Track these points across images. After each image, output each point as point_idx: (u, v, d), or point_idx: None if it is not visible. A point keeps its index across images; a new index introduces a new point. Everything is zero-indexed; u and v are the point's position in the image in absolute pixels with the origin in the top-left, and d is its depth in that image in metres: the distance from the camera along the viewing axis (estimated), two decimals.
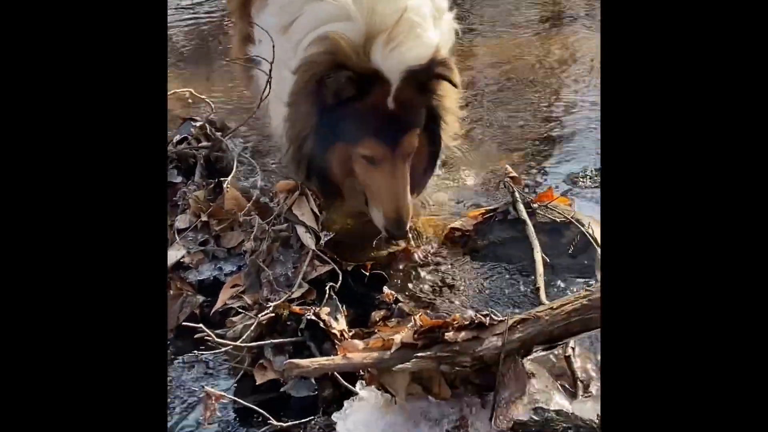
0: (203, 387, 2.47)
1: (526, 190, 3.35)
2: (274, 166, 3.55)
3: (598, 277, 2.88)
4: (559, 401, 2.42)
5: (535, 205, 3.17)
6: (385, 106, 2.72)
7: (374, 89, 2.71)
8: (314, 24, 2.81)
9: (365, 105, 2.72)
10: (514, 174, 3.30)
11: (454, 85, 2.85)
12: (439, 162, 3.14)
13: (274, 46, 2.90)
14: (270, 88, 2.99)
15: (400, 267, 3.03)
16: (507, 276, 3.01)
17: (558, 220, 3.12)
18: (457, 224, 3.21)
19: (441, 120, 2.90)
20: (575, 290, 2.82)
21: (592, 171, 3.52)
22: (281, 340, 2.60)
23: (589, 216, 3.15)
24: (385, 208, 2.80)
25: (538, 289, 2.84)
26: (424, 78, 2.76)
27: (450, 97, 2.91)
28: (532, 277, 2.92)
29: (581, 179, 3.49)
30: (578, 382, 2.48)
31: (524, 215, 3.12)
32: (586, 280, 2.92)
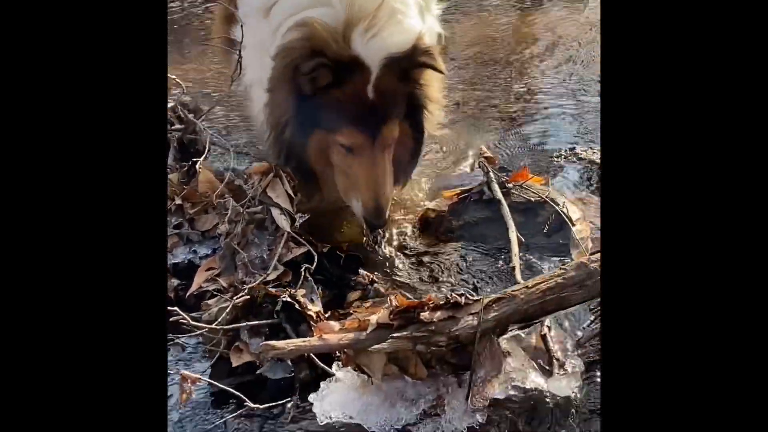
0: (179, 370, 2.46)
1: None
2: (247, 148, 3.53)
3: (573, 255, 2.89)
4: (535, 379, 2.44)
5: (510, 185, 3.17)
6: (365, 95, 2.69)
7: (353, 77, 2.67)
8: (294, 9, 2.77)
9: (344, 93, 2.69)
10: (488, 154, 3.30)
11: (439, 72, 2.81)
12: (423, 151, 3.11)
13: (242, 26, 2.88)
14: (240, 69, 2.97)
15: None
16: (482, 256, 3.01)
17: (533, 199, 3.13)
18: (432, 205, 3.21)
19: (424, 109, 2.87)
20: (550, 269, 2.84)
21: (566, 150, 3.53)
22: (257, 322, 2.60)
23: (563, 195, 3.17)
24: (364, 197, 2.78)
25: (513, 268, 2.84)
26: (406, 66, 2.73)
27: (433, 86, 2.87)
28: (508, 257, 2.93)
29: (555, 158, 3.49)
30: (554, 360, 2.49)
31: (499, 195, 3.12)
32: (561, 258, 2.93)
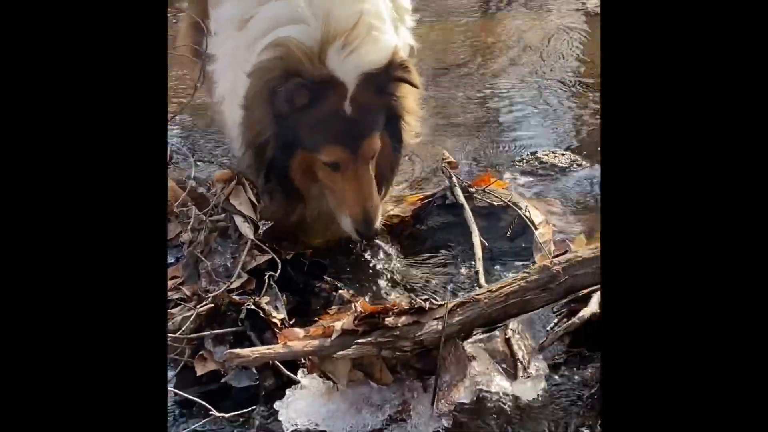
0: None
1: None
2: (211, 156, 3.52)
3: (536, 258, 2.91)
4: (500, 383, 2.45)
5: (473, 190, 3.19)
6: (342, 111, 2.68)
7: (330, 95, 2.66)
8: (269, 26, 2.75)
9: (322, 111, 2.67)
10: (451, 159, 3.31)
11: (414, 86, 2.82)
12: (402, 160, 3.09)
13: (207, 37, 2.86)
14: (203, 78, 2.96)
15: None
16: (446, 260, 3.02)
17: (495, 204, 3.15)
18: (395, 211, 3.22)
19: (402, 120, 2.86)
20: (514, 273, 2.86)
21: (527, 155, 3.56)
22: (221, 330, 2.59)
23: (526, 199, 3.20)
24: (352, 211, 2.77)
25: (477, 272, 2.85)
26: (383, 81, 2.73)
27: (410, 98, 2.87)
28: (471, 261, 2.94)
29: (518, 163, 3.52)
30: (518, 364, 2.51)
31: (462, 200, 3.13)
32: (524, 262, 2.94)
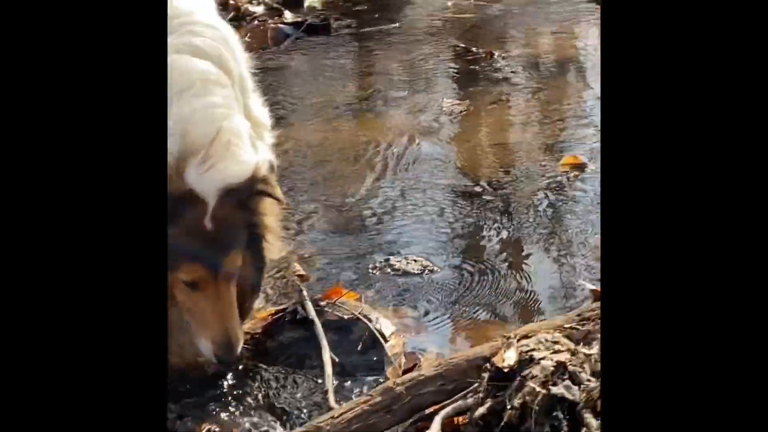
0: None
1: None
2: None
3: (387, 372, 2.88)
4: None
5: (323, 303, 3.15)
6: (202, 227, 2.61)
7: (189, 210, 2.60)
8: None
9: (181, 228, 2.59)
10: (302, 272, 3.28)
11: (277, 200, 2.79)
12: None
13: None
14: None
15: None
16: (296, 379, 2.95)
17: (346, 317, 3.11)
18: (246, 327, 3.13)
19: (263, 239, 2.81)
20: (366, 387, 2.82)
21: (380, 262, 3.54)
22: None
23: (377, 309, 3.18)
24: (213, 333, 2.66)
25: (326, 391, 2.79)
26: (244, 195, 2.68)
27: (271, 215, 2.83)
28: (322, 380, 2.88)
29: (371, 271, 3.51)
30: None
31: (312, 314, 3.08)
32: (376, 377, 2.90)
